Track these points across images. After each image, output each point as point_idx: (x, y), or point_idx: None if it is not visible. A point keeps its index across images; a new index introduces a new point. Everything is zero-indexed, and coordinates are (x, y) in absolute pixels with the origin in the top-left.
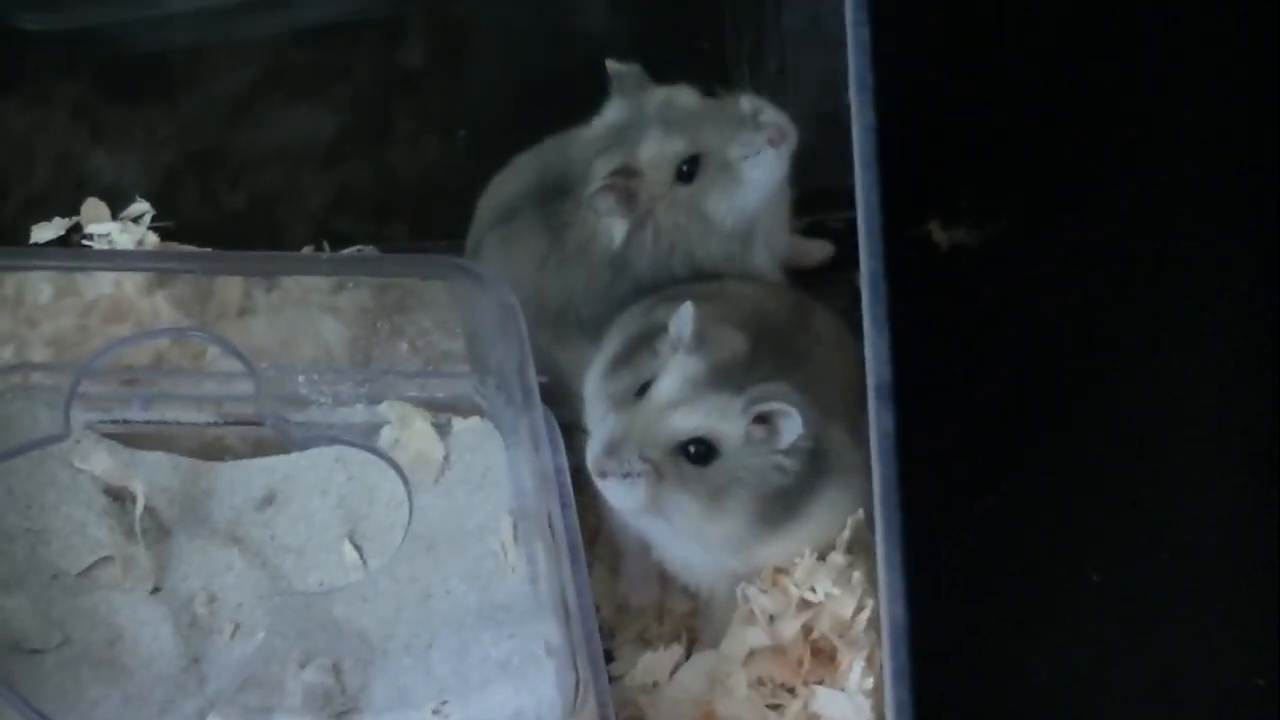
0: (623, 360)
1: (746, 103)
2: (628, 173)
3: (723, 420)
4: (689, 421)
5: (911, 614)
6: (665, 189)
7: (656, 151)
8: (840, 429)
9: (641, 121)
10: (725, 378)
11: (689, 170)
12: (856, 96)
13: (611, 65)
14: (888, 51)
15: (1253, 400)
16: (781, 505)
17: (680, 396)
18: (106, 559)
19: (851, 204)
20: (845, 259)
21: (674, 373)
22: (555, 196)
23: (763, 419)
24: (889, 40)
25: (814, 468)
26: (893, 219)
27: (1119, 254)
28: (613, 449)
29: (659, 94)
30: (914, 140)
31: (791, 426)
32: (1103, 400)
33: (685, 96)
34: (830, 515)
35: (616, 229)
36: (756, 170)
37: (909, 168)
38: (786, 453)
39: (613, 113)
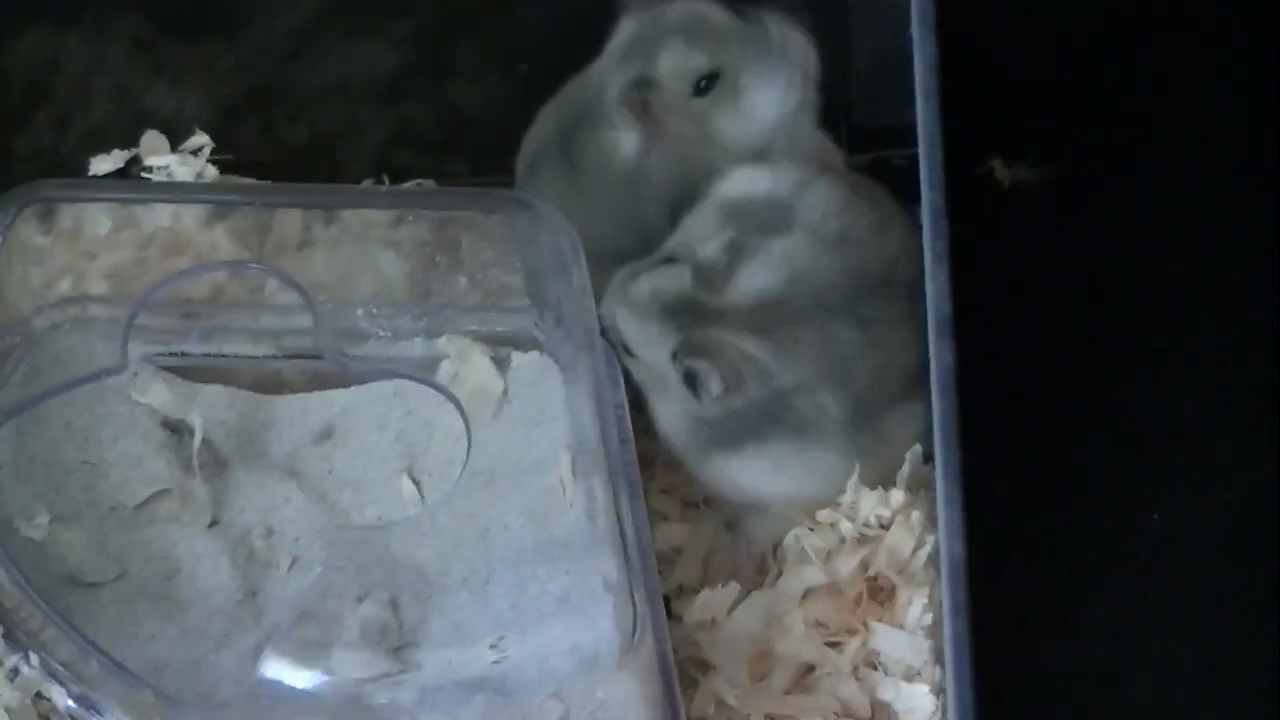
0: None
1: (774, 27)
2: (645, 84)
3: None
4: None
5: (970, 549)
6: (681, 101)
7: (676, 64)
8: (833, 398)
9: (659, 34)
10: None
11: (705, 86)
12: (918, 30)
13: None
14: None
15: None
16: (725, 433)
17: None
18: (164, 492)
19: (915, 141)
20: (909, 196)
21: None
22: (573, 131)
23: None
24: None
25: (775, 416)
26: (955, 155)
27: (1177, 195)
28: None
29: (681, 7)
30: (977, 77)
31: (711, 383)
32: (1163, 340)
33: (714, 13)
34: (801, 470)
35: (629, 142)
36: (768, 95)
37: (972, 105)
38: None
39: (625, 30)
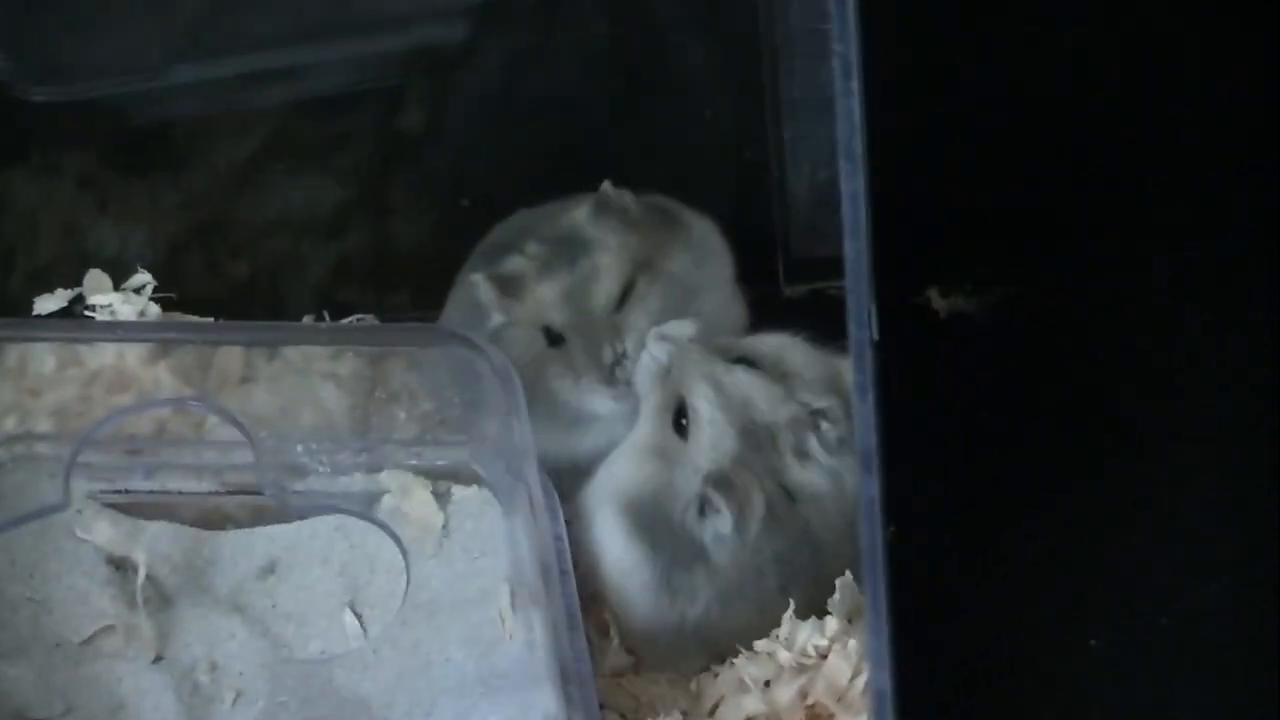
0: None
1: (610, 349)
2: (513, 285)
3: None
4: None
5: (896, 681)
6: (530, 331)
7: (540, 298)
8: None
9: (583, 252)
10: None
11: (551, 341)
12: (845, 166)
13: (604, 189)
14: (880, 122)
15: (1257, 474)
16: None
17: None
18: (109, 628)
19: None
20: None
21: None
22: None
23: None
24: (881, 111)
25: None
26: (889, 286)
27: (1119, 321)
28: None
29: (602, 254)
30: (908, 209)
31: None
32: (1099, 472)
33: (602, 286)
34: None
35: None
36: (583, 400)
37: (904, 236)
38: None
39: (571, 220)
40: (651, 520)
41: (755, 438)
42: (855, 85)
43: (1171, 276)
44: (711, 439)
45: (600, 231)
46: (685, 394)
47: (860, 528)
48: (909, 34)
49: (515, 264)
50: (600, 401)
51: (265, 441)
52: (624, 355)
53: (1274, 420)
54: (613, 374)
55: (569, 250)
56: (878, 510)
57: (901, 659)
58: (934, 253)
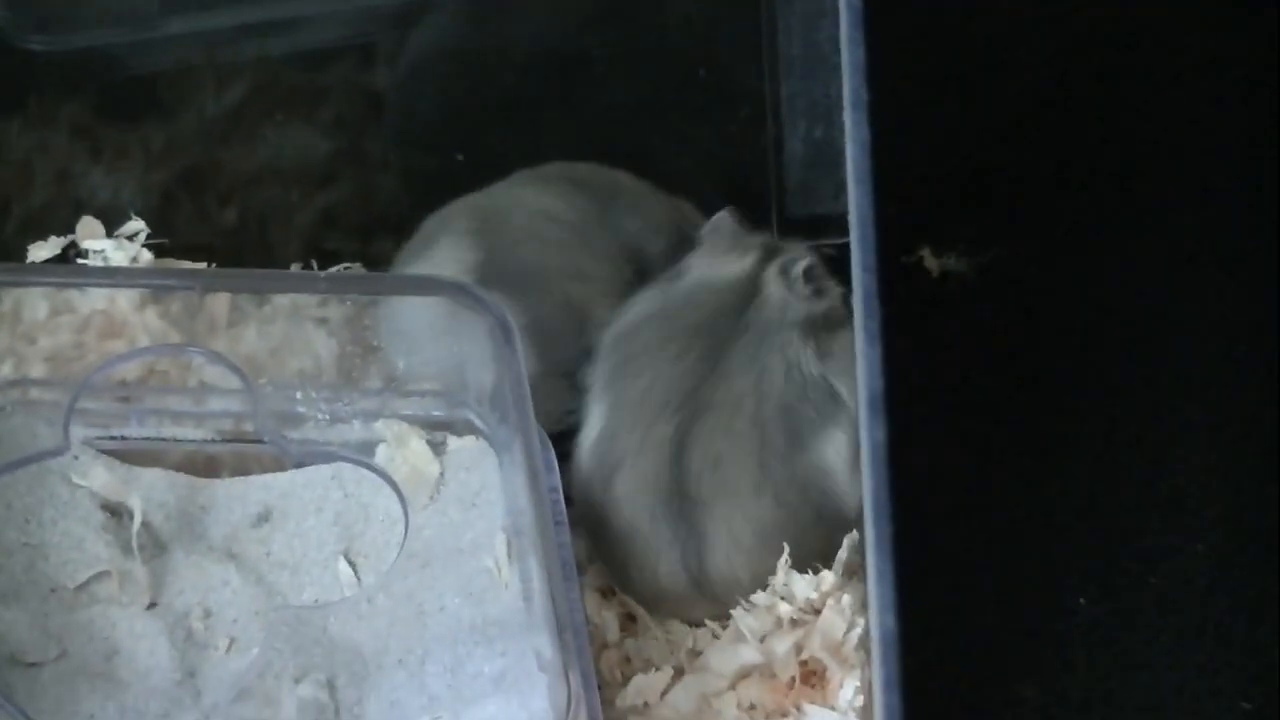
0: None
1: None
2: None
3: None
4: None
5: (901, 624)
6: None
7: None
8: None
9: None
10: None
11: None
12: (851, 115)
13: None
14: (883, 73)
15: (1244, 436)
16: None
17: None
18: (103, 574)
19: (847, 230)
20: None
21: None
22: None
23: None
24: (884, 62)
25: None
26: (885, 244)
27: (1107, 282)
28: None
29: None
30: (907, 167)
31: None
32: (1088, 432)
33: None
34: None
35: None
36: None
37: (901, 195)
38: None
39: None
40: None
41: None
42: (863, 33)
43: (1162, 244)
44: None
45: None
46: None
47: (866, 472)
48: None
49: None
50: None
51: (264, 389)
52: None
53: (1264, 380)
54: None
55: None
56: (883, 456)
57: (905, 605)
58: (928, 212)
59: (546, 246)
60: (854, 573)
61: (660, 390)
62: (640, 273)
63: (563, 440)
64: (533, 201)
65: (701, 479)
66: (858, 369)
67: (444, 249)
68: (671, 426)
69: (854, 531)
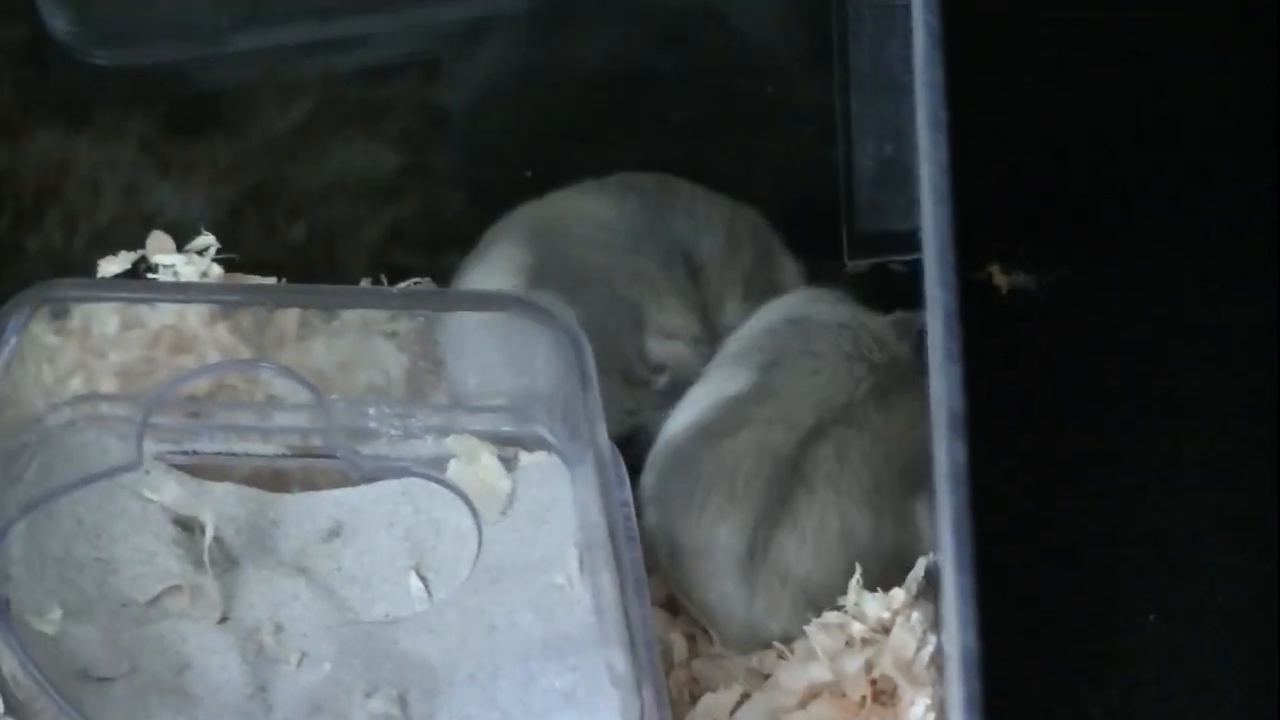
0: None
1: None
2: None
3: None
4: None
5: (983, 642)
6: None
7: None
8: None
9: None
10: None
11: None
12: (929, 135)
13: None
14: (958, 94)
15: None
16: None
17: None
18: (175, 588)
19: (915, 247)
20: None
21: None
22: None
23: None
24: (961, 82)
25: None
26: (957, 260)
27: (1172, 301)
28: None
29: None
30: (975, 185)
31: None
32: (1154, 450)
33: None
34: None
35: None
36: None
37: (970, 212)
38: None
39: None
40: None
41: None
42: (940, 54)
43: (1226, 264)
44: None
45: None
46: None
47: (942, 490)
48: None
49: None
50: None
51: (335, 404)
52: None
53: None
54: None
55: None
56: (964, 474)
57: (985, 624)
58: (997, 230)
59: (598, 249)
60: (923, 593)
61: (824, 381)
62: (693, 271)
63: (626, 447)
64: (587, 206)
65: (820, 466)
66: (934, 388)
67: (498, 253)
68: (815, 417)
69: (930, 554)
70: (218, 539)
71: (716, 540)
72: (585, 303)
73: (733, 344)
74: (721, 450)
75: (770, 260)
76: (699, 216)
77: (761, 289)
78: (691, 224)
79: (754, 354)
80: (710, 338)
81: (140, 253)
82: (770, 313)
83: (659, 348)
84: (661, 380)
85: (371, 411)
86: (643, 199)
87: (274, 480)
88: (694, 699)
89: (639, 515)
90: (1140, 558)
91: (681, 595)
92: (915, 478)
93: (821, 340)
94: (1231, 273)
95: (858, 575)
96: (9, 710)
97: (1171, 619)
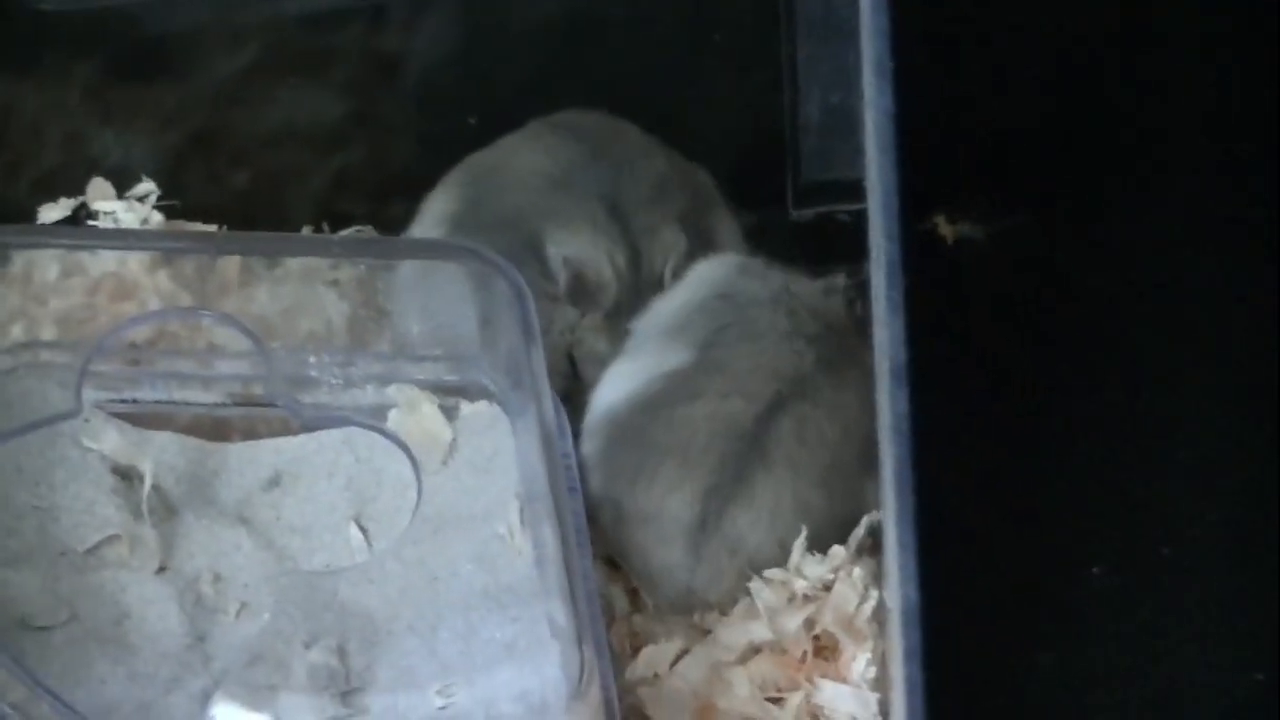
0: None
1: None
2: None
3: None
4: None
5: (923, 594)
6: None
7: None
8: None
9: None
10: None
11: None
12: (874, 82)
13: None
14: (905, 41)
15: (1258, 394)
16: None
17: None
18: (114, 537)
19: (861, 197)
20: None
21: None
22: None
23: None
24: (906, 29)
25: None
26: (901, 210)
27: (1124, 250)
28: None
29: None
30: (922, 134)
31: None
32: (1103, 402)
33: None
34: None
35: None
36: None
37: (916, 161)
38: None
39: None
40: None
41: None
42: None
43: (1179, 212)
44: None
45: None
46: None
47: (885, 442)
48: None
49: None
50: None
51: (276, 352)
52: None
53: None
54: None
55: None
56: (906, 426)
57: (927, 576)
58: (942, 180)
59: (519, 191)
60: (864, 550)
61: (770, 358)
62: (616, 215)
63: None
64: (523, 152)
65: (781, 444)
66: (878, 339)
67: (430, 202)
68: (772, 389)
69: (874, 512)
70: (157, 488)
71: (666, 509)
72: (496, 242)
73: (661, 317)
74: (674, 420)
75: (707, 212)
76: (631, 162)
77: (696, 243)
78: (621, 169)
79: (688, 330)
80: (634, 281)
81: (81, 199)
82: (700, 286)
83: (556, 252)
84: (563, 281)
85: (313, 360)
86: (579, 143)
87: (215, 429)
88: (635, 651)
89: (581, 482)
90: (1086, 509)
91: (620, 558)
92: (871, 455)
93: (759, 319)
94: (1181, 220)
95: (802, 537)
96: None
97: (1118, 570)
